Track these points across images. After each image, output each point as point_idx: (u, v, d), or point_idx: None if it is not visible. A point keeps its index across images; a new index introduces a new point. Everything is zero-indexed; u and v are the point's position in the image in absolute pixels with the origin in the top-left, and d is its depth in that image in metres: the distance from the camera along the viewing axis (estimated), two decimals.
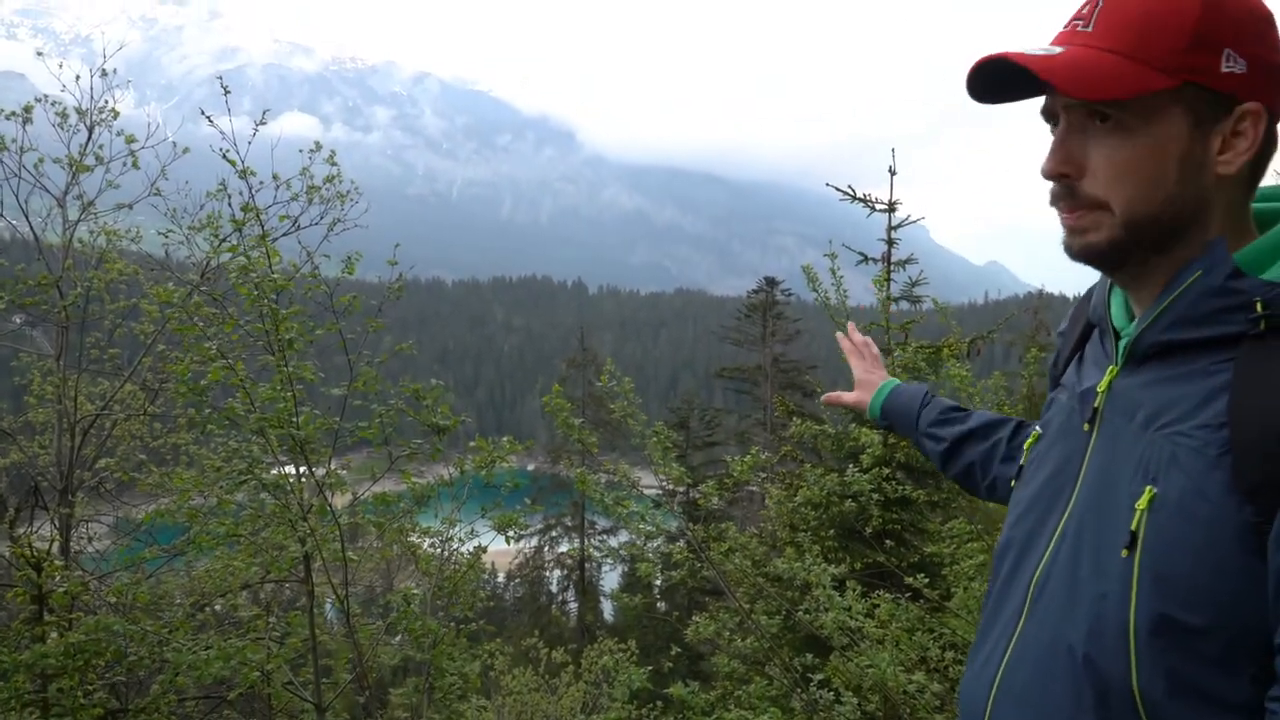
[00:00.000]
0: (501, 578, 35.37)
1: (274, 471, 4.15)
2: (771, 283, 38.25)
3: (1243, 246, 1.09)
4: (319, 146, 6.22)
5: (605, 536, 33.63)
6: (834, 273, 6.53)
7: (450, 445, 4.73)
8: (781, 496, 7.62)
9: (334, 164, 6.15)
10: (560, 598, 35.68)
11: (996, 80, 1.12)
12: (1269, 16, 1.07)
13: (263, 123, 4.91)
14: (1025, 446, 1.35)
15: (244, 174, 4.67)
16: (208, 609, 5.01)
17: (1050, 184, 1.13)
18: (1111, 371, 1.18)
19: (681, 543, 5.51)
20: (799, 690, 4.80)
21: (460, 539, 4.92)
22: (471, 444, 4.79)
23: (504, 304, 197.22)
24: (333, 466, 4.34)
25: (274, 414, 3.84)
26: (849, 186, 8.98)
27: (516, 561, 33.13)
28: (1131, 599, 1.03)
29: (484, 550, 4.88)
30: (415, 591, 4.53)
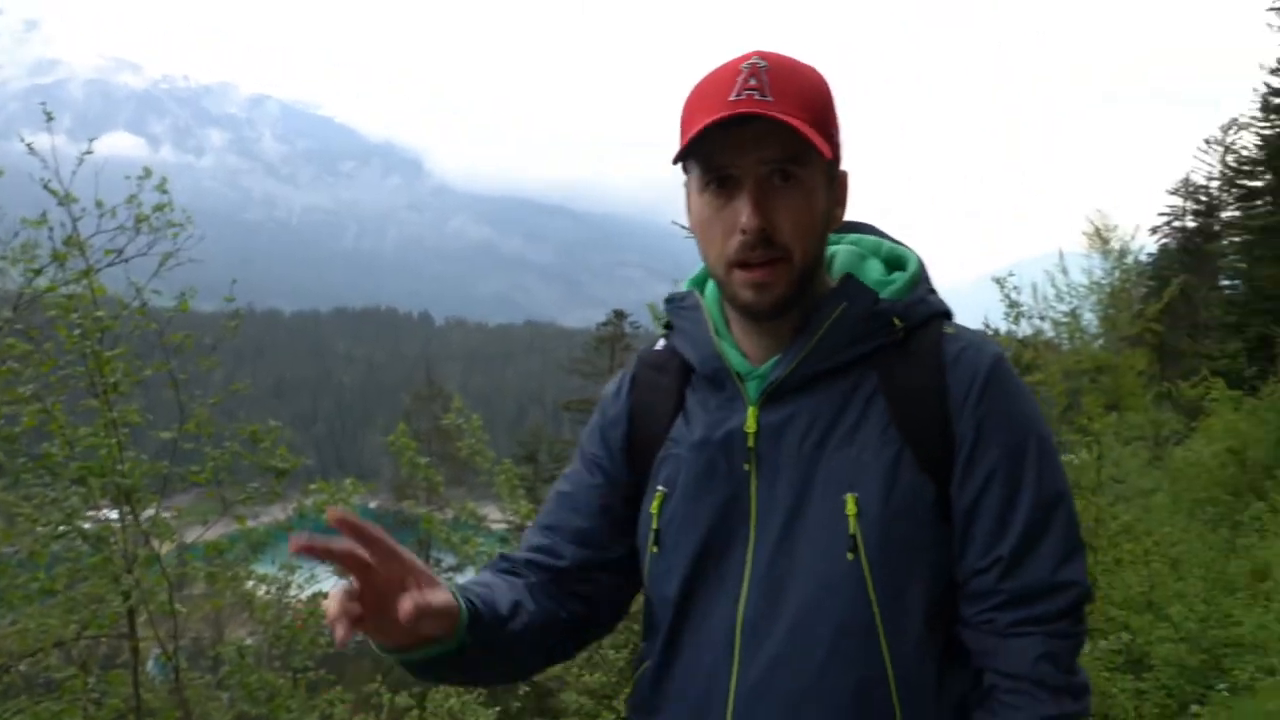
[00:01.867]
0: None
1: (92, 517, 3.89)
2: (620, 315, 38.67)
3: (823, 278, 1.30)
4: (148, 173, 5.92)
5: (451, 574, 32.99)
6: None
7: (289, 485, 4.56)
8: None
9: (165, 192, 5.87)
10: None
11: (701, 136, 1.17)
12: None
13: (89, 152, 4.65)
14: (653, 510, 1.32)
15: (65, 201, 4.42)
16: (14, 670, 4.60)
17: (735, 239, 1.20)
18: (752, 413, 1.27)
19: None
20: None
21: (300, 585, 4.75)
22: (313, 486, 4.64)
23: (345, 335, 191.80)
24: (159, 513, 4.10)
25: (96, 461, 3.61)
26: None
27: None
28: (869, 590, 1.19)
29: (325, 596, 4.71)
30: (248, 643, 4.33)
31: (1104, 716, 7.02)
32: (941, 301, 1.34)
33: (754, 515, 1.26)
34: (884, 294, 1.28)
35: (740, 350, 1.31)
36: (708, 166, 1.22)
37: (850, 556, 1.19)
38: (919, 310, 1.29)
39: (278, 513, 4.77)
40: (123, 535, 3.88)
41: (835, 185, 1.29)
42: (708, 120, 1.16)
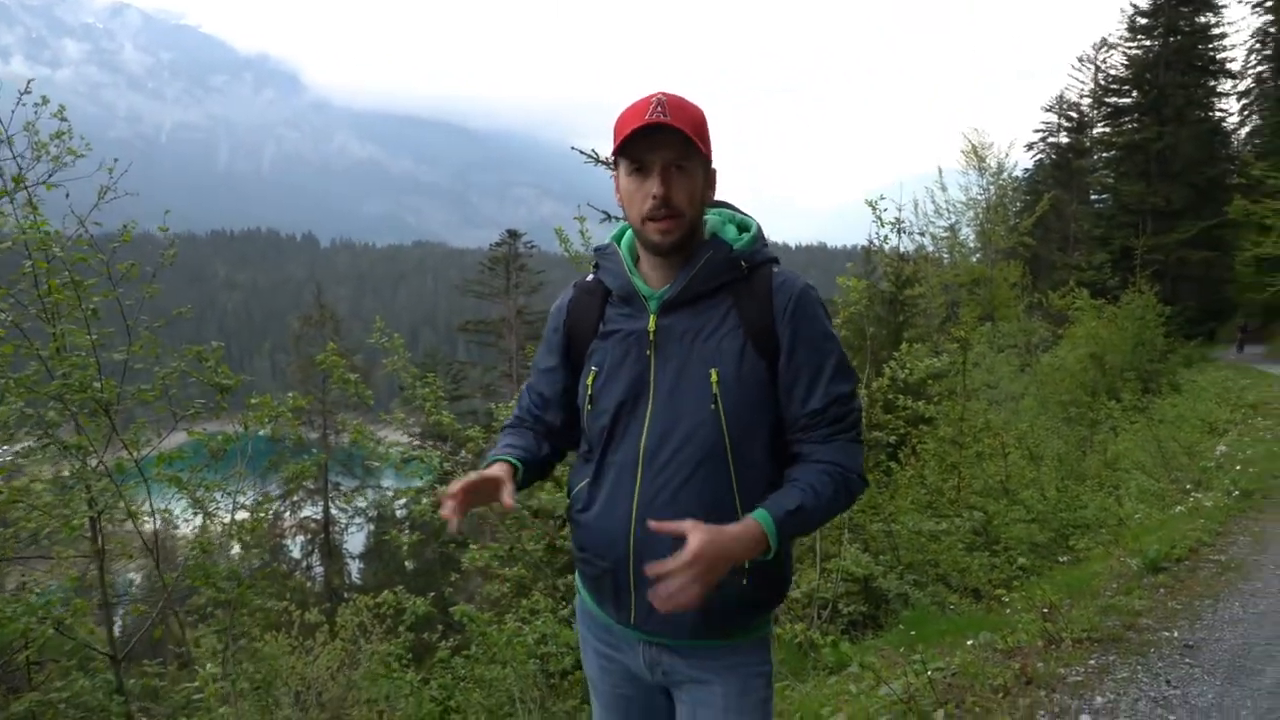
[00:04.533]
0: (237, 549, 33.71)
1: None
2: (514, 235, 38.57)
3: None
4: (46, 100, 5.96)
5: (351, 493, 33.06)
6: (584, 234, 7.12)
7: (230, 401, 4.89)
8: None
9: (64, 119, 5.93)
10: (304, 563, 34.73)
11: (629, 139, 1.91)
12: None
13: None
14: (588, 383, 2.07)
15: None
16: None
17: (648, 203, 1.93)
18: (653, 319, 2.02)
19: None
20: (563, 605, 5.44)
21: (243, 493, 5.09)
22: (254, 400, 4.98)
23: (226, 259, 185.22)
24: (115, 426, 4.38)
25: (75, 379, 3.91)
26: (593, 150, 9.55)
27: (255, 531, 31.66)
28: (724, 428, 1.94)
29: (274, 500, 5.08)
30: (211, 540, 4.69)
31: (963, 587, 8.00)
32: (772, 252, 2.11)
33: (652, 383, 2.00)
34: (736, 247, 2.04)
35: (643, 279, 2.05)
36: (632, 158, 1.95)
37: (712, 407, 1.94)
38: (758, 257, 2.06)
39: (215, 428, 5.08)
40: (92, 447, 4.16)
41: (708, 175, 2.03)
42: (630, 129, 1.90)
